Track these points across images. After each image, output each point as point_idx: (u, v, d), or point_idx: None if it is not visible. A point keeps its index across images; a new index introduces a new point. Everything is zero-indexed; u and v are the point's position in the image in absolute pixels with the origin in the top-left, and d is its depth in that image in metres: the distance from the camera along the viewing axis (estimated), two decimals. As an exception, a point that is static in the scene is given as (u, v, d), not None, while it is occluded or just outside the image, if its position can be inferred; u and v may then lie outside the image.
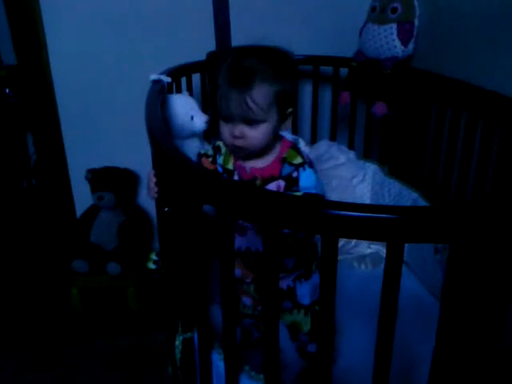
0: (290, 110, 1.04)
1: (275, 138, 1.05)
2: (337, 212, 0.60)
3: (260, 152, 1.05)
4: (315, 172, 1.05)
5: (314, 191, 1.00)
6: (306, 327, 1.20)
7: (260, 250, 1.08)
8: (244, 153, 1.04)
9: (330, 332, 0.71)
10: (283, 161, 1.05)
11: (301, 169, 1.03)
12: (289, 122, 1.06)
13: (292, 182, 1.03)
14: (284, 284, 1.16)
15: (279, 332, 0.81)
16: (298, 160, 1.04)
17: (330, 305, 0.69)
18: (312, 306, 1.19)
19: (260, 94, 0.96)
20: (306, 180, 1.02)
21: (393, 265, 0.64)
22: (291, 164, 1.04)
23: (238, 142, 1.01)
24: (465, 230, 0.59)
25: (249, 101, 0.96)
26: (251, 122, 0.99)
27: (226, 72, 1.00)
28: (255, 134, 1.00)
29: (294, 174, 1.03)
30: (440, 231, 0.59)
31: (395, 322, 0.68)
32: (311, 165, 1.05)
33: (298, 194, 0.99)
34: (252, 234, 1.10)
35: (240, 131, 1.00)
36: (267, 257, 0.73)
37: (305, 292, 1.18)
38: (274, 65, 1.01)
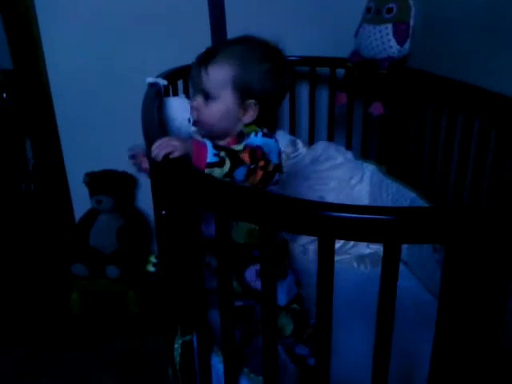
0: (250, 101, 1.05)
1: (234, 125, 1.07)
2: (333, 214, 0.60)
3: (218, 134, 1.07)
4: (270, 138, 1.03)
5: (255, 145, 0.97)
6: (289, 328, 1.19)
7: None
8: (203, 130, 1.09)
9: (328, 334, 0.71)
10: (240, 135, 1.05)
11: (253, 133, 1.02)
12: (251, 115, 1.06)
13: (240, 142, 1.03)
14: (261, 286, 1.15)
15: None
16: (254, 129, 1.05)
17: (328, 306, 0.69)
18: (290, 305, 1.18)
19: (215, 68, 1.03)
20: (253, 139, 1.01)
21: (390, 265, 0.64)
22: (246, 133, 1.04)
23: (194, 114, 1.08)
24: (460, 230, 0.59)
25: (203, 71, 1.03)
26: (206, 94, 1.04)
27: None
28: (208, 110, 1.05)
29: (244, 138, 1.02)
30: (436, 232, 0.59)
31: (393, 323, 0.68)
32: (268, 135, 1.03)
33: (237, 146, 0.96)
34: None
35: (197, 103, 1.06)
36: (264, 257, 0.73)
37: (283, 292, 1.17)
38: (245, 53, 1.05)
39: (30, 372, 1.72)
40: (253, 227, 1.11)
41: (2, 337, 1.88)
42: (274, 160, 0.99)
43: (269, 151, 0.98)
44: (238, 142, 1.03)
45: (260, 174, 0.94)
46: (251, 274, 1.15)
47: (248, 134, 1.03)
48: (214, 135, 1.08)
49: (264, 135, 1.02)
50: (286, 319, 1.18)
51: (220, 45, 1.10)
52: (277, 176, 1.05)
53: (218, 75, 1.02)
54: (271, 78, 1.06)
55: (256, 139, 1.00)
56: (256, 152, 0.94)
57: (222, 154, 0.87)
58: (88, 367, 1.73)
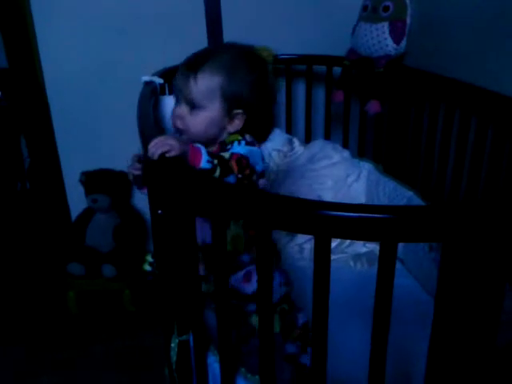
0: (237, 111, 1.04)
1: (219, 134, 1.06)
2: (329, 212, 0.60)
3: (202, 143, 1.02)
4: (253, 146, 1.02)
5: (240, 154, 0.96)
6: (277, 326, 1.17)
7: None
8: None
9: (324, 333, 0.71)
10: (222, 144, 1.04)
11: (236, 142, 1.02)
12: (237, 124, 1.05)
13: (223, 150, 1.01)
14: (249, 289, 1.15)
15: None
16: (237, 138, 1.03)
17: (324, 305, 0.69)
18: (278, 305, 1.17)
19: (204, 78, 1.00)
20: (237, 148, 1.00)
21: (386, 264, 0.64)
22: (229, 142, 1.03)
23: (178, 124, 1.04)
24: (457, 228, 0.59)
25: (191, 80, 1.00)
26: (192, 103, 1.02)
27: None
28: (193, 120, 1.03)
29: (228, 147, 1.01)
30: (432, 230, 0.59)
31: (390, 321, 0.67)
32: (251, 144, 1.03)
33: (224, 154, 0.95)
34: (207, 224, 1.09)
35: (181, 111, 1.03)
36: (260, 257, 0.73)
37: None
38: (233, 62, 1.02)
39: (30, 371, 1.71)
40: (236, 233, 1.10)
41: (1, 336, 1.88)
42: (259, 168, 1.01)
43: (254, 161, 0.98)
44: (221, 150, 1.02)
45: (245, 183, 0.96)
46: (237, 278, 1.15)
47: (231, 143, 1.02)
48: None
49: (247, 143, 1.02)
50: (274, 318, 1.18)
51: (208, 53, 1.06)
52: (262, 181, 1.05)
53: (207, 85, 1.00)
54: (259, 87, 1.05)
55: (240, 148, 1.00)
56: (242, 161, 0.94)
57: (215, 161, 0.89)
58: (86, 366, 1.73)
